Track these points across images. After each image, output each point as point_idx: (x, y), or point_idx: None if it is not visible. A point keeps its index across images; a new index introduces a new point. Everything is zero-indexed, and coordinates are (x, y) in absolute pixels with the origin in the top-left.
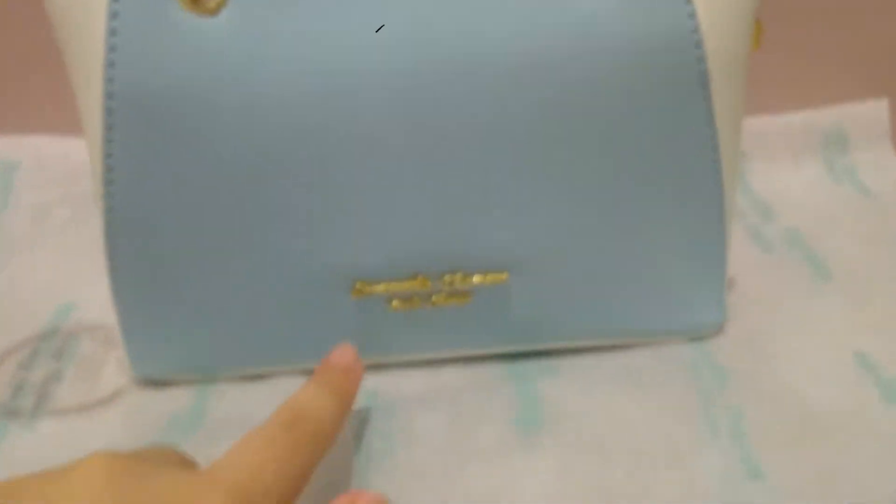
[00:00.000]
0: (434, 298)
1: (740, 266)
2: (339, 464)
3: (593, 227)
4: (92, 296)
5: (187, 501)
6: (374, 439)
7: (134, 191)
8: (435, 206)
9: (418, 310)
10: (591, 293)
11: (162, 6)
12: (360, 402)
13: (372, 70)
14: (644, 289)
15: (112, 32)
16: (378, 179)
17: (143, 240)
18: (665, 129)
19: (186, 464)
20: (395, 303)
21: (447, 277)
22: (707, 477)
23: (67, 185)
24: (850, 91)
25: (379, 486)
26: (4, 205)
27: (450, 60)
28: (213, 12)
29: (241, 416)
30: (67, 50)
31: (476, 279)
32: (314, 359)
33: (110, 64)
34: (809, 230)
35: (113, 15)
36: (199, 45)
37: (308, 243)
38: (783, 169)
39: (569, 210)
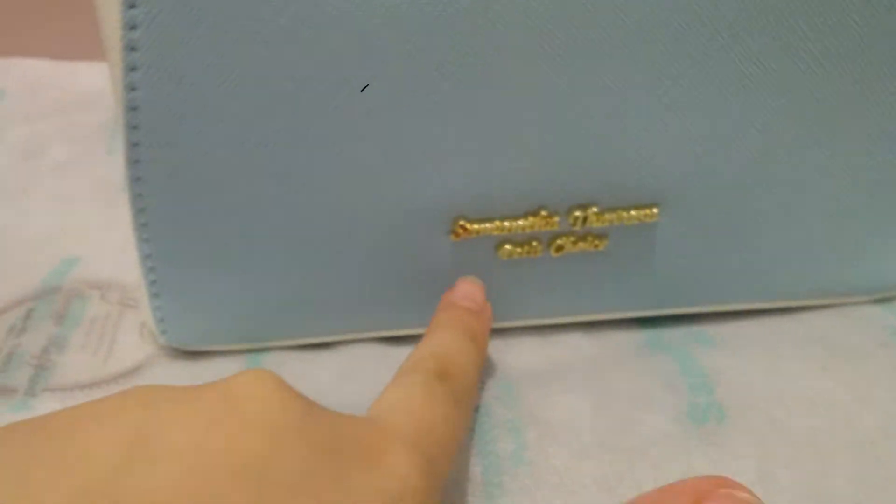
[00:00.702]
0: (559, 241)
1: None
2: None
3: (783, 148)
4: (100, 249)
5: (374, 451)
6: (491, 432)
7: (167, 113)
8: (566, 112)
9: (537, 258)
10: (763, 240)
11: None
12: None
13: None
14: (830, 235)
15: None
16: (490, 71)
17: (179, 176)
18: None
19: None
20: (507, 247)
21: (577, 213)
22: None
23: (64, 116)
24: None
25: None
26: None
27: None
28: None
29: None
30: None
31: (617, 216)
32: (395, 324)
33: None
34: None
35: None
36: None
37: (390, 169)
38: None
39: (758, 120)
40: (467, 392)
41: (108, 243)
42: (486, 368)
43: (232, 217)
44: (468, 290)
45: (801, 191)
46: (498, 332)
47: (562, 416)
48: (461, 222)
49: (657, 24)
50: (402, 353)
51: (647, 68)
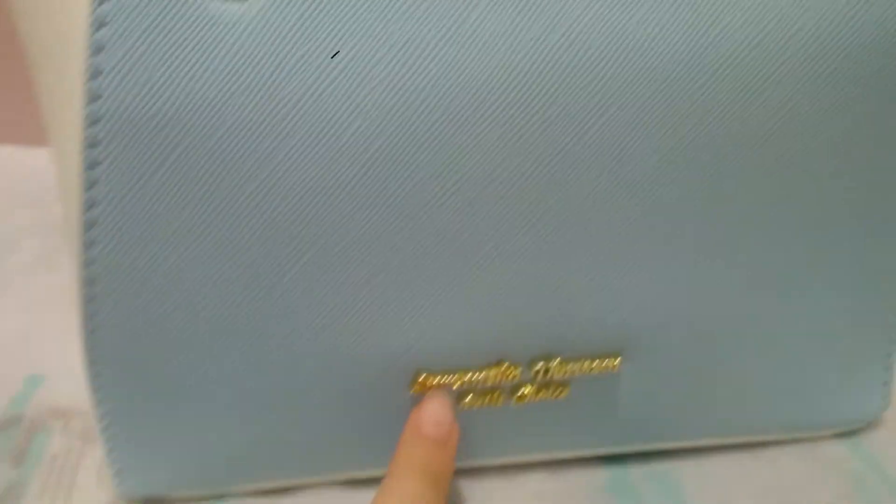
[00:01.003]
0: (521, 392)
1: None
2: None
3: (749, 294)
4: (65, 362)
5: None
6: None
7: (122, 247)
8: (531, 269)
9: (498, 407)
10: (726, 382)
11: None
12: None
13: (474, 81)
14: (791, 375)
15: (98, 23)
16: (460, 229)
17: (133, 313)
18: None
19: None
20: (468, 399)
21: (539, 364)
22: None
23: (39, 207)
24: None
25: None
26: None
27: (595, 68)
28: None
29: None
30: (34, 47)
31: (579, 367)
32: (358, 467)
33: (95, 74)
34: None
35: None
36: (219, 43)
37: (348, 325)
38: None
39: (728, 276)
40: None
41: (74, 355)
42: None
43: (187, 368)
44: (436, 413)
45: (765, 338)
46: (461, 470)
47: None
48: (422, 376)
49: (627, 183)
50: (367, 495)
51: (617, 224)
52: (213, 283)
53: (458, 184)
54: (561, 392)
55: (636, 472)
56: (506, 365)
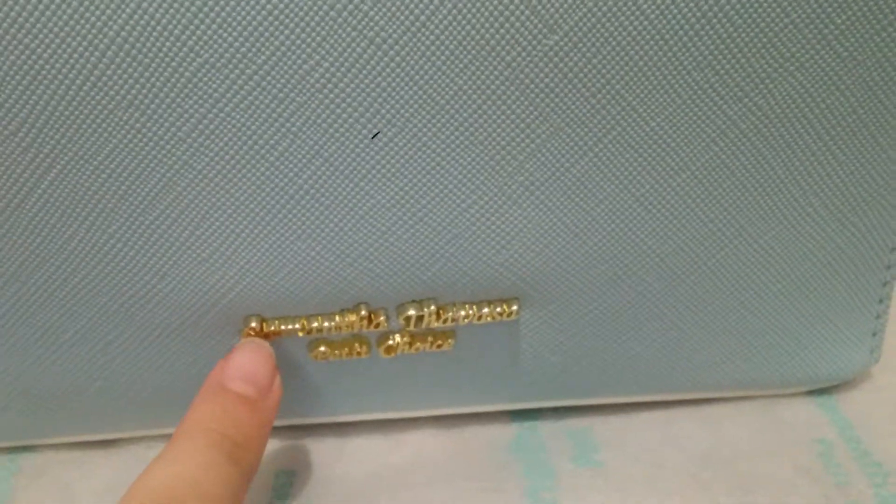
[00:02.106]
0: (389, 342)
1: None
2: None
3: (678, 236)
4: None
5: None
6: None
7: None
8: (382, 189)
9: (360, 359)
10: (656, 331)
11: None
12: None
13: None
14: (751, 320)
15: None
16: (279, 137)
17: None
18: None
19: None
20: (321, 349)
21: (411, 311)
22: None
23: None
24: None
25: None
26: None
27: None
28: None
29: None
30: None
31: (464, 314)
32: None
33: None
34: None
35: None
36: None
37: (150, 255)
38: None
39: (644, 203)
40: None
41: None
42: (292, 483)
43: None
44: (248, 365)
45: (709, 280)
46: (333, 427)
47: None
48: (253, 323)
49: (506, 79)
50: None
51: (492, 134)
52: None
53: (257, 73)
54: (443, 343)
55: (547, 429)
56: (365, 311)
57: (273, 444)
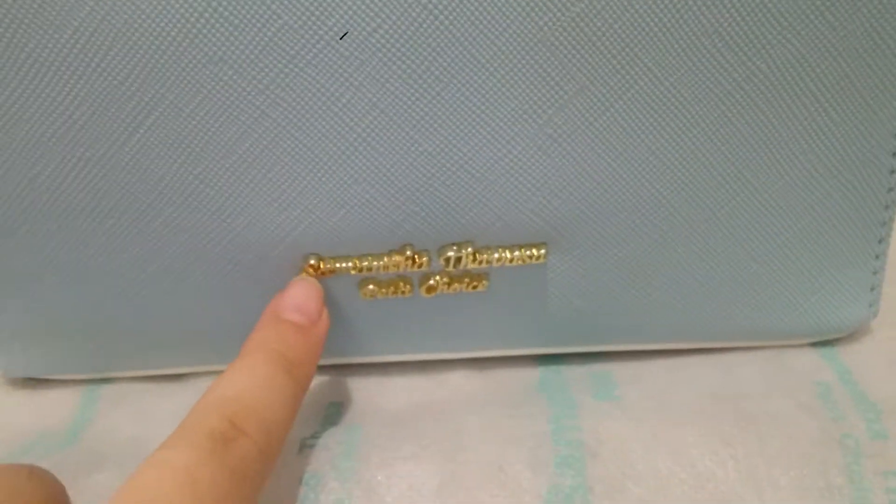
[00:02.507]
0: (430, 282)
1: None
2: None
3: (698, 184)
4: None
5: None
6: (330, 485)
7: None
8: (428, 139)
9: (405, 298)
10: (674, 279)
11: None
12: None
13: None
14: (755, 276)
15: None
16: (338, 90)
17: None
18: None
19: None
20: (370, 287)
21: (450, 253)
22: None
23: None
24: None
25: None
26: None
27: None
28: None
29: (136, 435)
30: None
31: (498, 257)
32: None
33: None
34: None
35: None
36: None
37: (223, 198)
38: None
39: (665, 154)
40: (265, 457)
41: None
42: (342, 412)
43: (60, 244)
44: (300, 298)
45: (724, 230)
46: (376, 366)
47: (400, 492)
48: (312, 261)
49: (538, 41)
50: None
51: (525, 90)
52: (81, 165)
53: (323, 40)
54: (478, 284)
55: (570, 372)
56: (410, 252)
57: (323, 379)
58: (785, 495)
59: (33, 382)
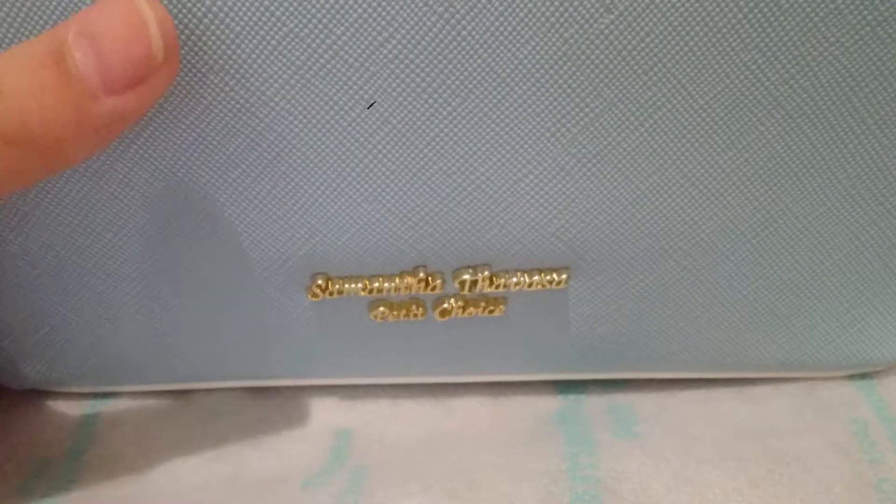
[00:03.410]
0: (444, 305)
1: None
2: None
3: (734, 199)
4: None
5: None
6: None
7: None
8: (443, 158)
9: (416, 320)
10: (703, 305)
11: None
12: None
13: None
14: (798, 298)
15: None
16: (349, 103)
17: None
18: None
19: None
20: (381, 309)
21: (466, 276)
22: None
23: None
24: None
25: None
26: None
27: None
28: None
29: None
30: None
31: (516, 281)
32: (255, 377)
33: None
34: None
35: None
36: None
37: (229, 214)
38: None
39: (695, 179)
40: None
41: None
42: (350, 444)
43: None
44: (115, 43)
45: (754, 258)
46: (386, 389)
47: None
48: (319, 281)
49: (563, 54)
50: (271, 402)
51: (548, 107)
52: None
53: (337, 43)
54: (495, 309)
55: (590, 403)
56: (423, 274)
57: (331, 403)
58: None
59: (32, 401)
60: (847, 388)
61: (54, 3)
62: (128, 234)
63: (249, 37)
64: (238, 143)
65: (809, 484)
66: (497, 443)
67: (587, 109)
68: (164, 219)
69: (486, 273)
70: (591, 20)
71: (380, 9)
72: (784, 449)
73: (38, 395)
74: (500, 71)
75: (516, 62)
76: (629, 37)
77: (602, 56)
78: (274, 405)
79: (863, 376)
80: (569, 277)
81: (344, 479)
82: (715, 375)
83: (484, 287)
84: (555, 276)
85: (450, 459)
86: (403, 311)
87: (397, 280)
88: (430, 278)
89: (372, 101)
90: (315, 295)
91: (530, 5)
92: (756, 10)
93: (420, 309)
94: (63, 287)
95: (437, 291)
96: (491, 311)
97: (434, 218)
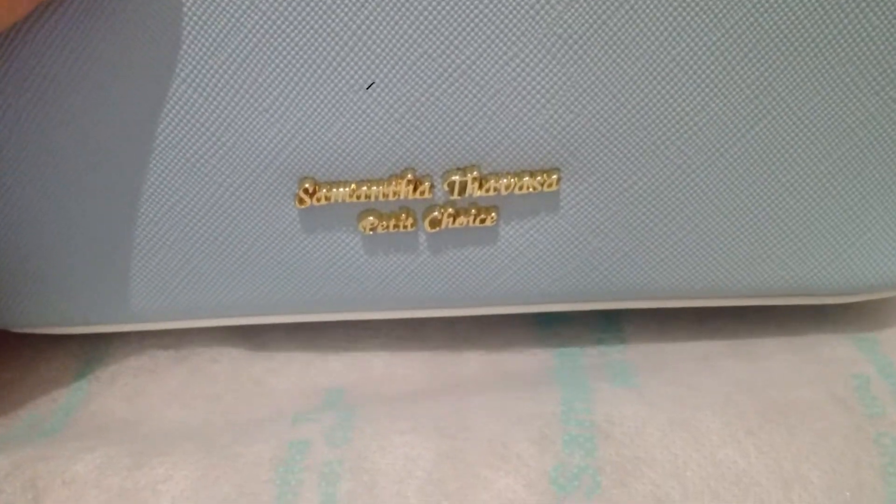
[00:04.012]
0: (435, 214)
1: None
2: None
3: (728, 85)
4: None
5: None
6: (297, 477)
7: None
8: (424, 44)
9: (409, 234)
10: (705, 215)
11: None
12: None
13: None
14: (796, 206)
15: None
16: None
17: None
18: None
19: None
20: (370, 219)
21: (456, 177)
22: None
23: None
24: None
25: None
26: None
27: None
28: None
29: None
30: None
31: (506, 183)
32: (242, 310)
33: None
34: None
35: None
36: None
37: (213, 113)
38: None
39: (698, 59)
40: None
41: None
42: (342, 398)
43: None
44: None
45: (751, 154)
46: (379, 354)
47: (394, 464)
48: (306, 184)
49: None
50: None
51: None
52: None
53: None
54: (486, 217)
55: (587, 361)
56: (411, 176)
57: (325, 366)
58: (814, 492)
59: (24, 362)
60: (849, 346)
61: None
62: (108, 131)
63: None
64: (220, 26)
65: (807, 435)
66: (490, 389)
67: None
68: (149, 111)
69: (476, 174)
70: None
71: None
72: (782, 400)
73: (30, 357)
74: None
75: None
76: None
77: None
78: (269, 368)
79: (864, 336)
80: (559, 179)
81: (334, 415)
82: (713, 302)
83: (474, 191)
84: (545, 176)
85: (442, 402)
86: (393, 222)
87: (385, 184)
88: (417, 182)
89: (371, 82)
90: (302, 201)
91: None
92: (850, 26)
93: (410, 219)
94: (47, 215)
95: (426, 196)
96: (482, 221)
97: (420, 108)
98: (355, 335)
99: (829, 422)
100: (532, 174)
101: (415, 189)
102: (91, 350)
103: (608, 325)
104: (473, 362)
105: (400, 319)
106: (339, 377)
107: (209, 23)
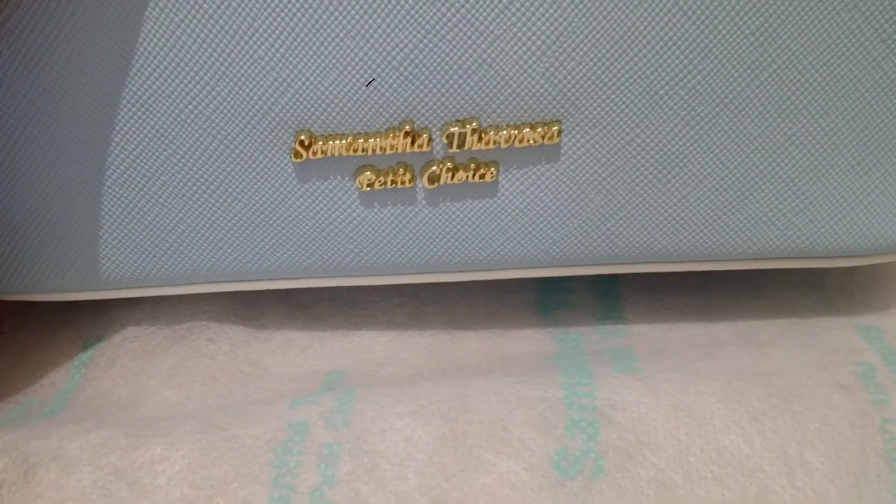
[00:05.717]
0: (433, 169)
1: None
2: None
3: (731, 33)
4: None
5: None
6: (296, 459)
7: None
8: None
9: (406, 190)
10: (706, 176)
11: None
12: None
13: None
14: (800, 161)
15: None
16: None
17: None
18: None
19: None
20: (367, 174)
21: (454, 129)
22: None
23: None
24: None
25: None
26: None
27: None
28: None
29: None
30: None
31: (505, 135)
32: (236, 274)
33: None
34: None
35: None
36: None
37: (207, 60)
38: None
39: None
40: None
41: None
42: (343, 380)
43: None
44: None
45: (754, 107)
46: (378, 339)
47: (394, 446)
48: (302, 137)
49: None
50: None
51: None
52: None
53: None
54: (486, 173)
55: (588, 346)
56: (409, 127)
57: (324, 350)
58: (819, 478)
59: (22, 348)
60: (852, 335)
61: None
62: (109, 85)
63: None
64: None
65: (812, 421)
66: (491, 373)
67: None
68: (143, 60)
69: (475, 125)
70: None
71: None
72: (786, 386)
73: (28, 343)
74: None
75: None
76: None
77: None
78: (267, 350)
79: (867, 325)
80: (560, 131)
81: (333, 398)
82: (715, 266)
83: (473, 143)
84: (546, 128)
85: (443, 385)
86: (390, 177)
87: (382, 138)
88: (416, 134)
89: (371, 80)
90: (298, 154)
91: None
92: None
93: (408, 174)
94: (39, 174)
95: (425, 149)
96: (482, 177)
97: (418, 55)
98: (355, 320)
99: (834, 408)
100: (532, 126)
101: (413, 142)
102: (89, 334)
103: (609, 310)
104: (474, 347)
105: (399, 303)
106: (338, 360)
107: None
